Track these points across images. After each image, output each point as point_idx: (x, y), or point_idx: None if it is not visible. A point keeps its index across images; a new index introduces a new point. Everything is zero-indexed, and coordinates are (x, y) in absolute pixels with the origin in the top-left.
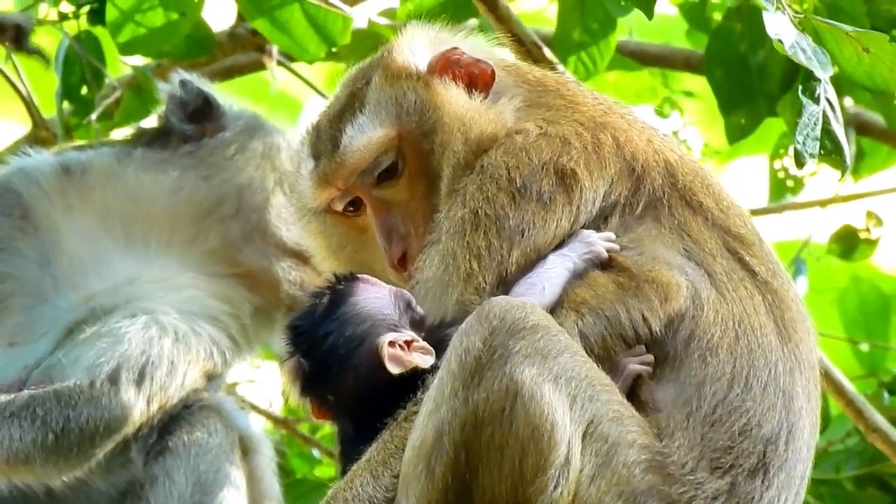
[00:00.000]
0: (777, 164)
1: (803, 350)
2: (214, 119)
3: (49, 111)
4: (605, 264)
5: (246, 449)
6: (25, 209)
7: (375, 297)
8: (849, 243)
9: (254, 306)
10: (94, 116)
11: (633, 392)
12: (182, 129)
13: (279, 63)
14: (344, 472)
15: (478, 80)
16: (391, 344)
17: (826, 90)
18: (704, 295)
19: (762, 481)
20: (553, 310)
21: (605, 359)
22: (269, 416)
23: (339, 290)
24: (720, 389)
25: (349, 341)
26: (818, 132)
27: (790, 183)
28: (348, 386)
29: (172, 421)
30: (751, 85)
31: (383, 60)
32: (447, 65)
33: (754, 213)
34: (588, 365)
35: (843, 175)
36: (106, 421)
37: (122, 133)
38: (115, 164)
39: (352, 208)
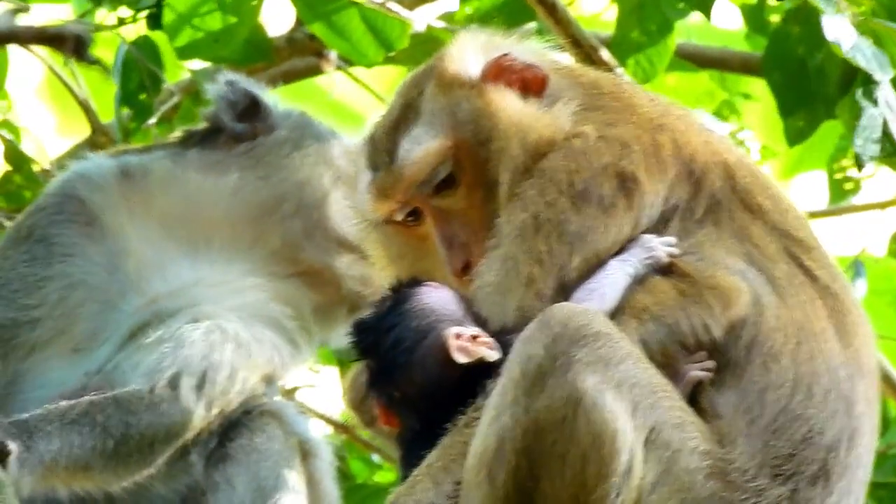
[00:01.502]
0: (835, 167)
1: (863, 355)
2: (263, 118)
3: (107, 117)
4: (666, 270)
5: (306, 454)
6: (90, 215)
7: (440, 296)
8: None
9: (315, 304)
10: (152, 121)
11: (694, 399)
12: (234, 129)
13: (337, 67)
14: (404, 477)
15: (531, 84)
16: (457, 336)
17: (885, 93)
18: (766, 300)
19: (824, 488)
20: (613, 316)
21: (666, 366)
22: (329, 420)
23: (404, 289)
24: (782, 396)
25: (415, 333)
26: (878, 135)
27: (849, 185)
28: (414, 380)
29: (233, 426)
30: (809, 88)
31: (435, 69)
32: (499, 71)
33: (813, 215)
34: (650, 372)
35: None
36: (166, 426)
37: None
38: (173, 167)
39: (411, 218)
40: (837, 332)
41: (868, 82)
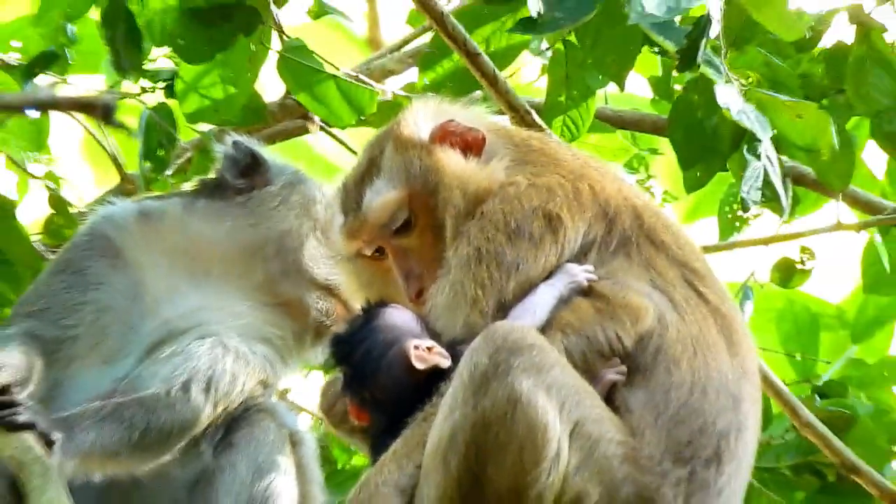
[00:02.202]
0: (726, 209)
1: (748, 362)
2: (262, 173)
3: (132, 168)
4: (586, 292)
5: (295, 443)
6: (115, 250)
7: (402, 315)
8: (786, 273)
9: (293, 332)
10: (169, 172)
11: (610, 398)
12: (235, 184)
13: (320, 128)
14: (374, 462)
15: (471, 145)
16: (416, 347)
17: (767, 149)
18: (668, 318)
19: (716, 470)
20: (543, 330)
21: (587, 370)
22: (314, 415)
23: (373, 310)
24: (682, 395)
25: (382, 345)
26: (760, 183)
27: (737, 224)
28: (381, 384)
29: (235, 421)
30: (705, 145)
31: (393, 132)
32: (445, 134)
33: (707, 249)
34: (574, 376)
35: (782, 218)
36: (180, 422)
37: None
38: (183, 213)
39: (377, 253)
40: (726, 343)
41: (753, 140)
